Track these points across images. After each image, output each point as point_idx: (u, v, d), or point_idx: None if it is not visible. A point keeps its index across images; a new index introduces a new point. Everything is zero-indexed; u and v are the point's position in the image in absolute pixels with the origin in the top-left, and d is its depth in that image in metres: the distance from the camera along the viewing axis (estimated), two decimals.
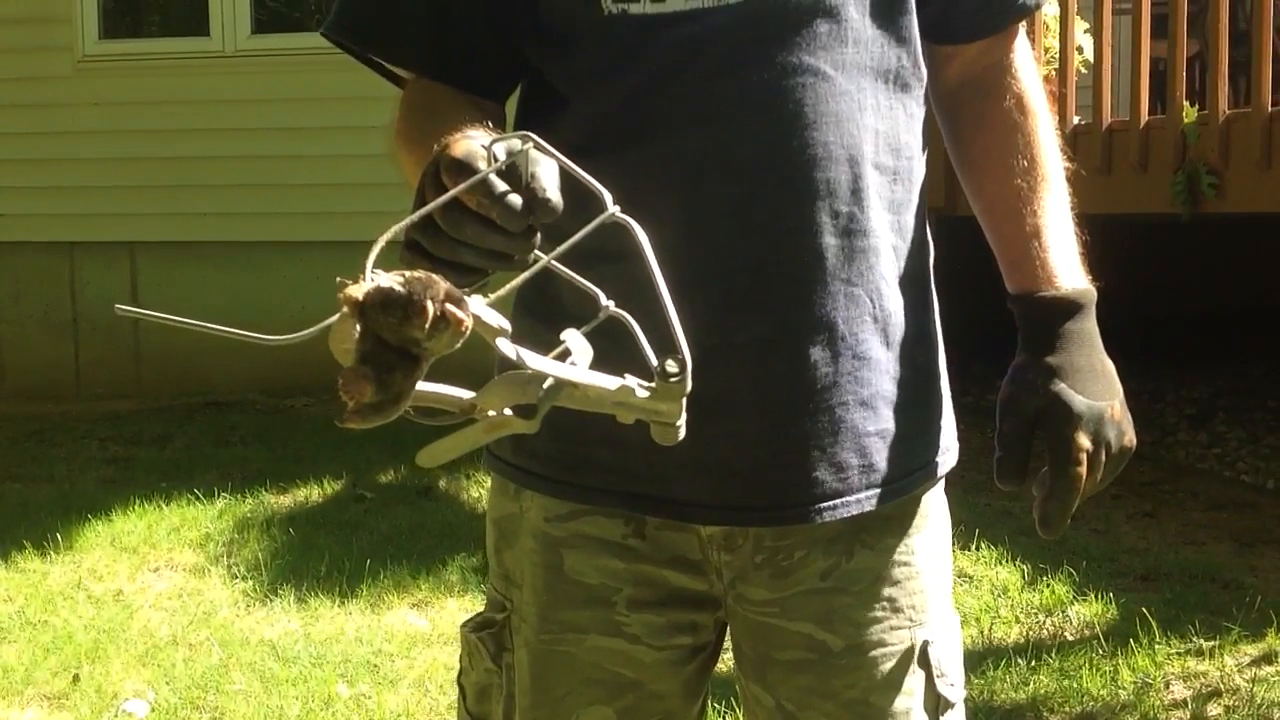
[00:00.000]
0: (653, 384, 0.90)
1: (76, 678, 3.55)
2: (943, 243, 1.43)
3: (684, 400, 0.90)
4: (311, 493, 5.15)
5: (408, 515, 4.82)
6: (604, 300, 0.92)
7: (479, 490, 5.01)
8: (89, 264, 7.17)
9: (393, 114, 1.35)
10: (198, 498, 5.02)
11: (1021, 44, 1.44)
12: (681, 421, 0.92)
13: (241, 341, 0.87)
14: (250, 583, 4.23)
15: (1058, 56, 5.23)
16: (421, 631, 3.83)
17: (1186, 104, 4.69)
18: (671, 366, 0.89)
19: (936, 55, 1.39)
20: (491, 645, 1.40)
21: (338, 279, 0.83)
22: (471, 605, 3.91)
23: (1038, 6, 1.45)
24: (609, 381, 0.90)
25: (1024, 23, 1.45)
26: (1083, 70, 5.35)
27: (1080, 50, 5.32)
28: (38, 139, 7.08)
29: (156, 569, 4.42)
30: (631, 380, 0.90)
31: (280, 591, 4.11)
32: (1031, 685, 3.31)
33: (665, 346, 0.89)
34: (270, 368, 6.66)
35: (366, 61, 1.39)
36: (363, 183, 6.53)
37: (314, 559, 4.35)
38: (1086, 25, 5.35)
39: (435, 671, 3.53)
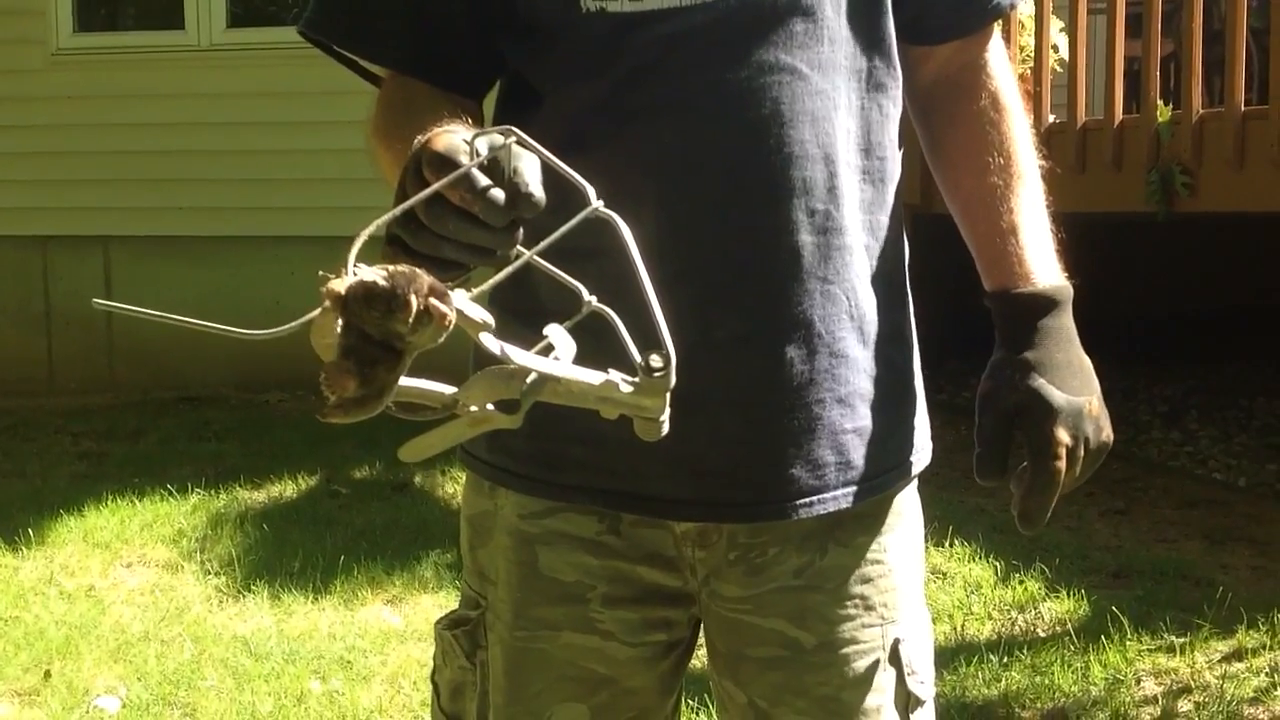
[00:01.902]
0: (637, 379, 0.89)
1: (48, 674, 3.53)
2: (918, 240, 1.44)
3: (668, 395, 0.90)
4: (286, 488, 5.13)
5: (382, 511, 4.81)
6: (586, 296, 0.92)
7: (454, 486, 5.00)
8: (62, 258, 7.13)
9: (370, 110, 1.34)
10: (171, 493, 5.00)
11: (996, 43, 1.45)
12: (665, 417, 0.91)
13: (216, 336, 0.87)
14: (223, 579, 4.22)
15: (1033, 55, 5.25)
16: (395, 628, 3.82)
17: (1160, 103, 4.71)
18: (656, 361, 0.88)
19: (911, 55, 1.39)
20: (466, 643, 1.40)
21: (320, 273, 0.83)
22: (445, 601, 3.90)
23: (1013, 7, 1.45)
24: (593, 376, 0.89)
25: (999, 22, 1.46)
26: (1058, 69, 5.37)
27: (1055, 49, 5.34)
28: (10, 132, 7.04)
29: (129, 565, 4.40)
30: (615, 375, 0.90)
31: (253, 587, 4.10)
32: (1003, 681, 3.32)
33: (649, 342, 0.89)
34: (245, 363, 6.64)
35: (342, 59, 1.38)
36: (339, 178, 6.51)
37: (288, 555, 4.34)
38: (1061, 24, 5.37)
39: (409, 668, 3.52)
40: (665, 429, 0.92)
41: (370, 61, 1.36)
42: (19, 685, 3.49)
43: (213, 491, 5.04)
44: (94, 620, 3.89)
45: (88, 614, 3.94)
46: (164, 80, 6.94)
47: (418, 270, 0.83)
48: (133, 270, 7.03)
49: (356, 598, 4.03)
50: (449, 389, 0.90)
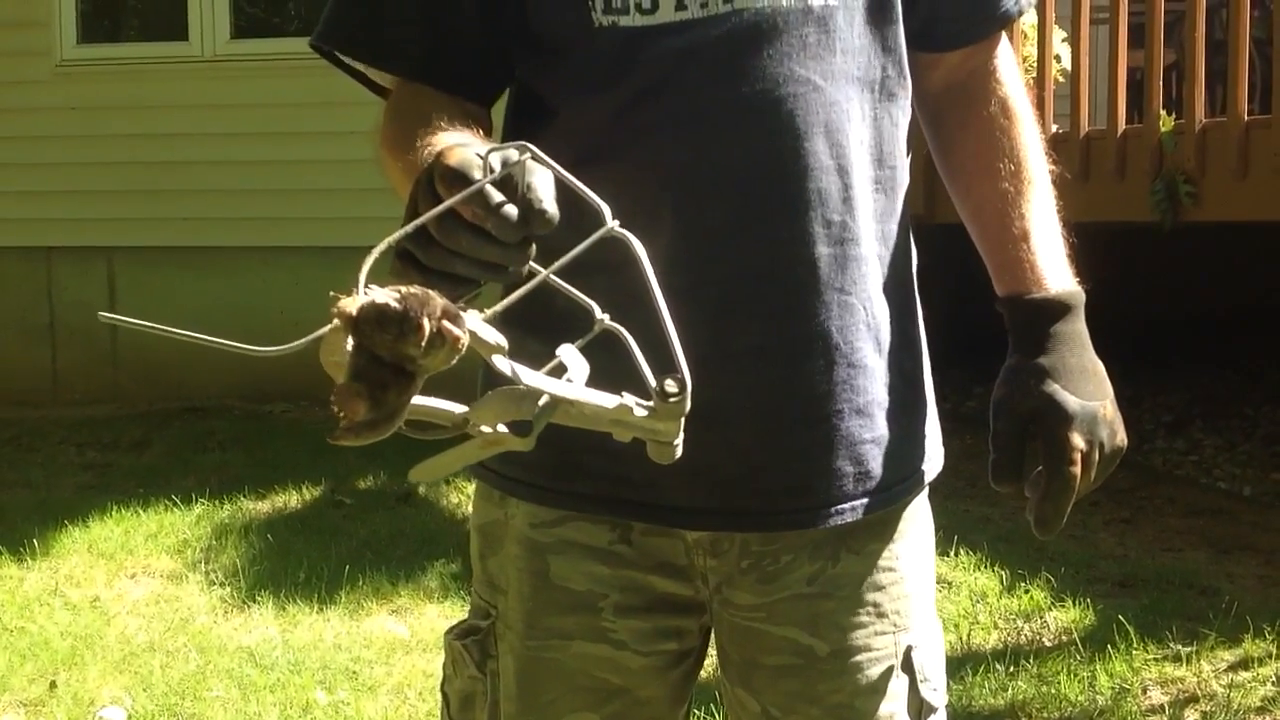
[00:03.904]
0: (651, 403, 0.88)
1: (53, 684, 3.53)
2: (921, 250, 1.44)
3: (682, 420, 0.89)
4: (290, 499, 5.13)
5: (387, 521, 4.81)
6: (599, 314, 0.91)
7: (459, 496, 5.00)
8: (66, 269, 7.13)
9: (378, 120, 1.34)
10: (175, 503, 5.00)
11: (1004, 49, 1.45)
12: (679, 440, 0.90)
13: (220, 346, 0.86)
14: (228, 589, 4.21)
15: (1036, 65, 5.25)
16: (400, 638, 3.82)
17: (1163, 113, 4.71)
18: (671, 386, 0.87)
19: (919, 62, 1.39)
20: (476, 652, 1.40)
21: (330, 293, 0.81)
22: (451, 612, 3.90)
23: (1020, 14, 1.45)
24: (607, 400, 0.88)
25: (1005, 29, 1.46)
26: (1060, 79, 5.38)
27: (1058, 59, 5.34)
28: (15, 143, 7.04)
29: (134, 575, 4.40)
30: (629, 399, 0.88)
31: (258, 598, 4.09)
32: (1010, 691, 3.31)
33: (664, 364, 0.88)
34: (249, 373, 6.64)
35: (349, 70, 1.38)
36: (342, 188, 6.52)
37: (292, 565, 4.34)
38: (1064, 34, 5.37)
39: (414, 678, 3.52)
40: (679, 452, 0.91)
41: (382, 70, 1.36)
42: (25, 696, 3.49)
43: (217, 502, 5.04)
44: (99, 631, 3.89)
45: (93, 625, 3.94)
46: (168, 91, 6.95)
47: (430, 292, 0.82)
48: (137, 281, 7.04)
49: (362, 608, 4.03)
50: (460, 408, 0.89)
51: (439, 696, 1.47)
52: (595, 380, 0.90)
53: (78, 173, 6.99)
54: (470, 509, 1.48)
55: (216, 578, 4.31)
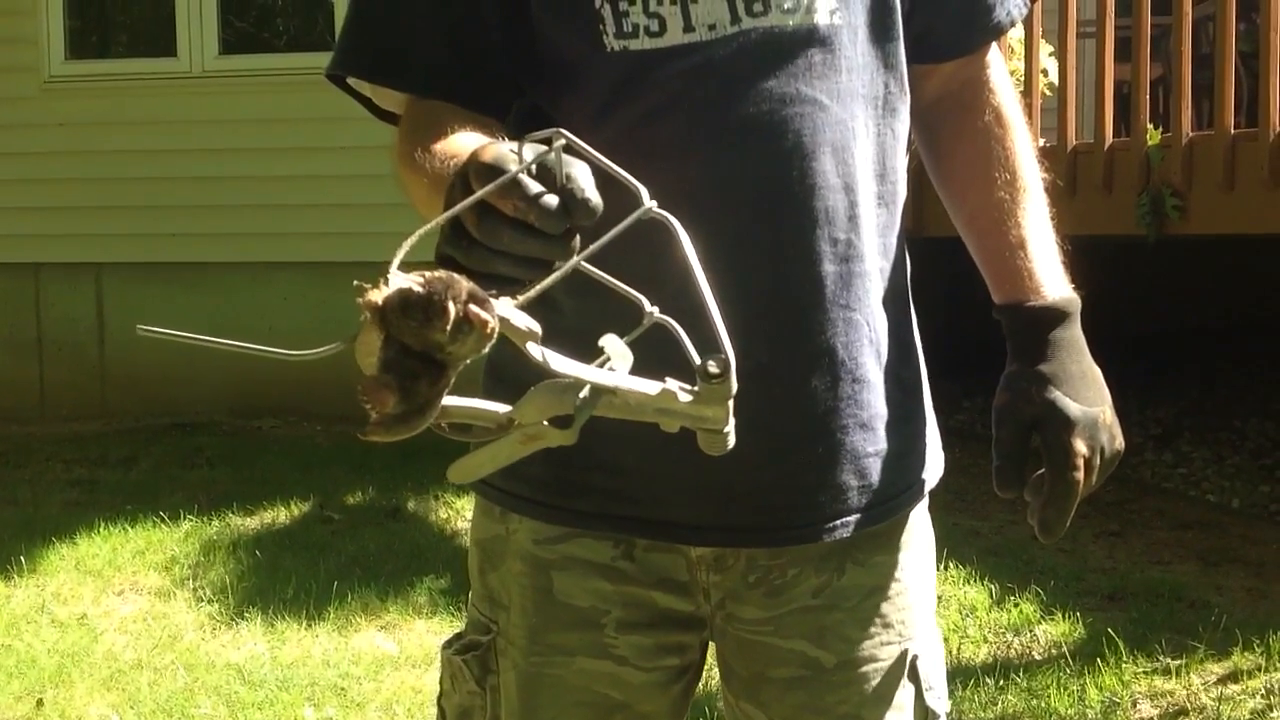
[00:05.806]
0: (696, 387, 0.84)
1: (40, 702, 3.51)
2: (910, 265, 1.44)
3: (730, 404, 0.85)
4: (278, 515, 5.12)
5: (376, 537, 4.80)
6: (648, 307, 0.87)
7: (447, 512, 4.99)
8: (54, 285, 7.12)
9: (394, 140, 1.33)
10: (163, 520, 4.98)
11: (996, 58, 1.46)
12: (730, 428, 0.86)
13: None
14: (216, 606, 4.20)
15: (1023, 79, 5.26)
16: (389, 654, 3.81)
17: (1150, 126, 4.73)
18: (713, 367, 0.83)
19: (914, 72, 1.39)
20: (476, 668, 1.40)
21: (355, 282, 0.78)
22: (440, 627, 3.89)
23: (1013, 24, 1.46)
24: (649, 386, 0.84)
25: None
26: (1048, 93, 5.40)
27: (1045, 73, 5.36)
28: (2, 159, 7.02)
29: (121, 592, 4.38)
30: (673, 384, 0.85)
31: (247, 614, 4.08)
32: (1000, 705, 3.31)
33: (707, 348, 0.84)
34: (237, 389, 6.63)
35: (356, 94, 1.37)
36: (332, 203, 6.52)
37: (281, 581, 4.33)
38: (1051, 48, 5.39)
39: (403, 694, 3.51)
40: (731, 441, 0.87)
41: (403, 90, 1.34)
42: (11, 714, 3.47)
43: (205, 518, 5.02)
44: (86, 648, 3.88)
45: (80, 642, 3.93)
46: (156, 107, 6.95)
47: (456, 276, 0.79)
48: (125, 297, 7.03)
49: (350, 624, 4.02)
50: (503, 408, 0.86)
51: (435, 710, 1.47)
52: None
53: (66, 189, 6.98)
54: (460, 524, 1.48)
55: (204, 594, 4.30)
